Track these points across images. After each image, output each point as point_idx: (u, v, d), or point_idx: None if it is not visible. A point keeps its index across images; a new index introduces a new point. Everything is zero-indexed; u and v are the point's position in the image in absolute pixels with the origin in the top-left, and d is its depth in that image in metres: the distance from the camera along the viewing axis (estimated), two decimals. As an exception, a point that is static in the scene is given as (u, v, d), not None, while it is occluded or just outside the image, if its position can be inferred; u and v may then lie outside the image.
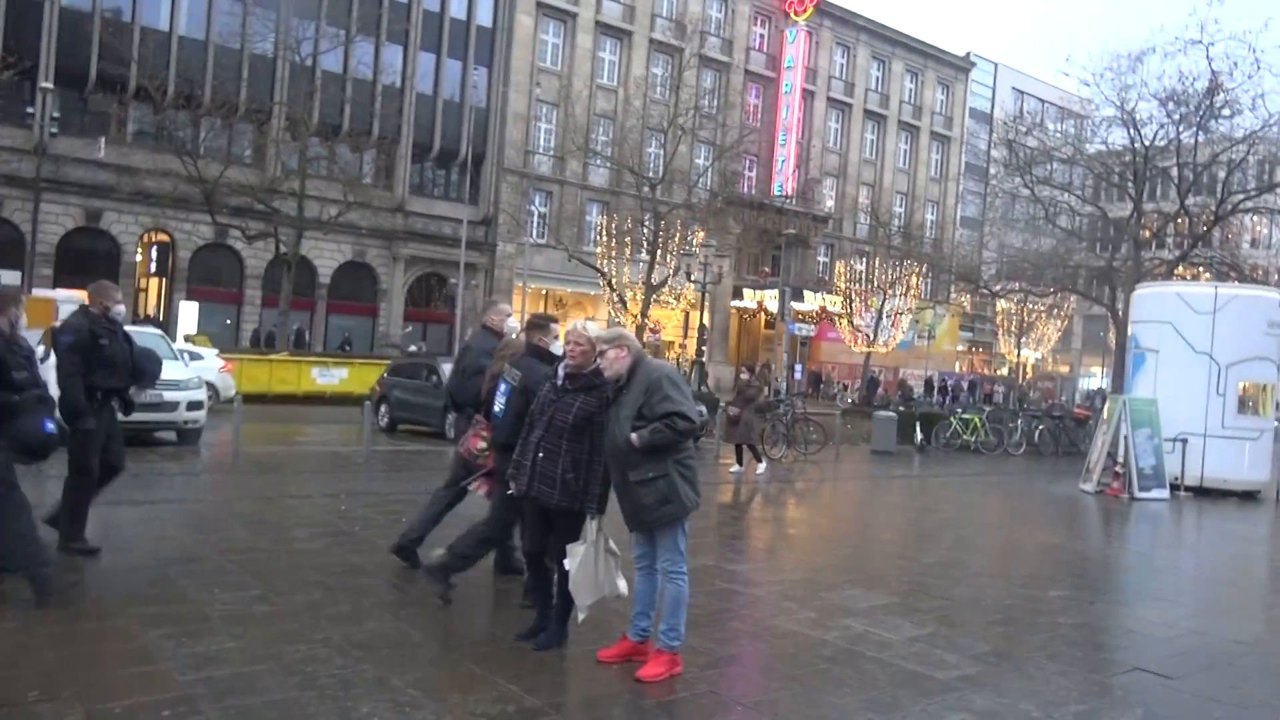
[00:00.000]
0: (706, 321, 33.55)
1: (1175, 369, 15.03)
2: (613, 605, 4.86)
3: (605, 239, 31.14)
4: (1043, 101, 44.97)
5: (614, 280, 29.50)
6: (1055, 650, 5.59)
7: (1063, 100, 36.21)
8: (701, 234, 29.76)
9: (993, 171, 31.74)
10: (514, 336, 6.43)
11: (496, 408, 5.60)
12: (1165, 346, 15.27)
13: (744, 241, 37.21)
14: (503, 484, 5.29)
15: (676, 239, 29.79)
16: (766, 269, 39.88)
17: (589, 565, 4.60)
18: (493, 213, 34.85)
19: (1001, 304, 37.82)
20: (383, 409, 17.03)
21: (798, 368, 35.85)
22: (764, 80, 41.62)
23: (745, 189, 39.62)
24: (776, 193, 40.43)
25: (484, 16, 35.29)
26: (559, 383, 4.86)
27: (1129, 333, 17.16)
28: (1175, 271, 25.49)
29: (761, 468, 13.86)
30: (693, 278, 26.27)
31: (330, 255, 32.50)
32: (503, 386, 5.56)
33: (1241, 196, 26.05)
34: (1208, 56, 23.38)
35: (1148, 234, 26.89)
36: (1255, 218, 29.51)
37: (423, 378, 16.61)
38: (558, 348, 5.55)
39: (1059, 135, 29.50)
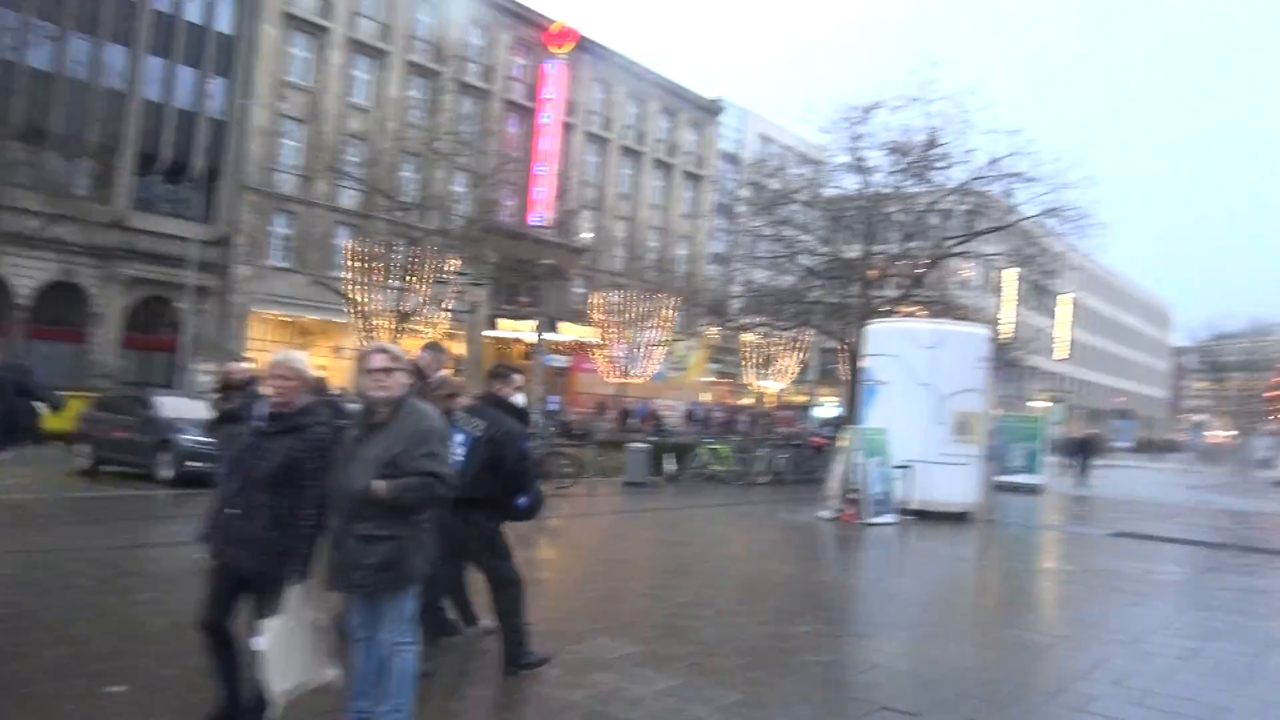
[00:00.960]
0: (462, 352, 32.71)
1: (902, 400, 16.05)
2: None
3: (354, 264, 29.59)
4: (785, 147, 47.88)
5: (362, 307, 28.05)
6: (806, 693, 5.48)
7: (803, 146, 38.64)
8: (457, 262, 28.96)
9: (740, 210, 33.18)
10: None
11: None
12: (893, 378, 16.30)
13: (501, 271, 36.68)
14: (443, 537, 4.91)
15: (430, 266, 28.80)
16: (524, 299, 39.56)
17: (284, 642, 3.85)
18: (229, 233, 32.24)
19: (747, 337, 39.57)
20: (86, 448, 15.02)
21: (554, 399, 35.62)
22: (523, 110, 41.53)
23: (503, 218, 39.18)
24: (535, 223, 40.31)
25: (223, 23, 32.81)
26: (259, 424, 4.13)
27: (863, 365, 18.22)
28: (898, 309, 27.60)
29: None
30: (446, 307, 25.40)
31: (31, 273, 28.70)
32: (460, 436, 5.23)
33: (953, 242, 28.72)
34: (926, 113, 25.65)
35: (875, 274, 28.97)
36: (964, 261, 32.62)
37: (132, 413, 14.79)
38: (520, 399, 5.35)
39: (799, 179, 31.32)
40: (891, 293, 29.77)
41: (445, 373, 6.22)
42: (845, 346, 28.73)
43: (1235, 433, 51.48)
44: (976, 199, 28.34)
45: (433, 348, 6.86)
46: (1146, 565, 12.25)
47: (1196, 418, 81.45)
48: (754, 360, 43.88)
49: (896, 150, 26.42)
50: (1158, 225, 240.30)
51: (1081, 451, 30.35)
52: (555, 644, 6.24)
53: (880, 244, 29.18)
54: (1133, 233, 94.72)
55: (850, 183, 28.82)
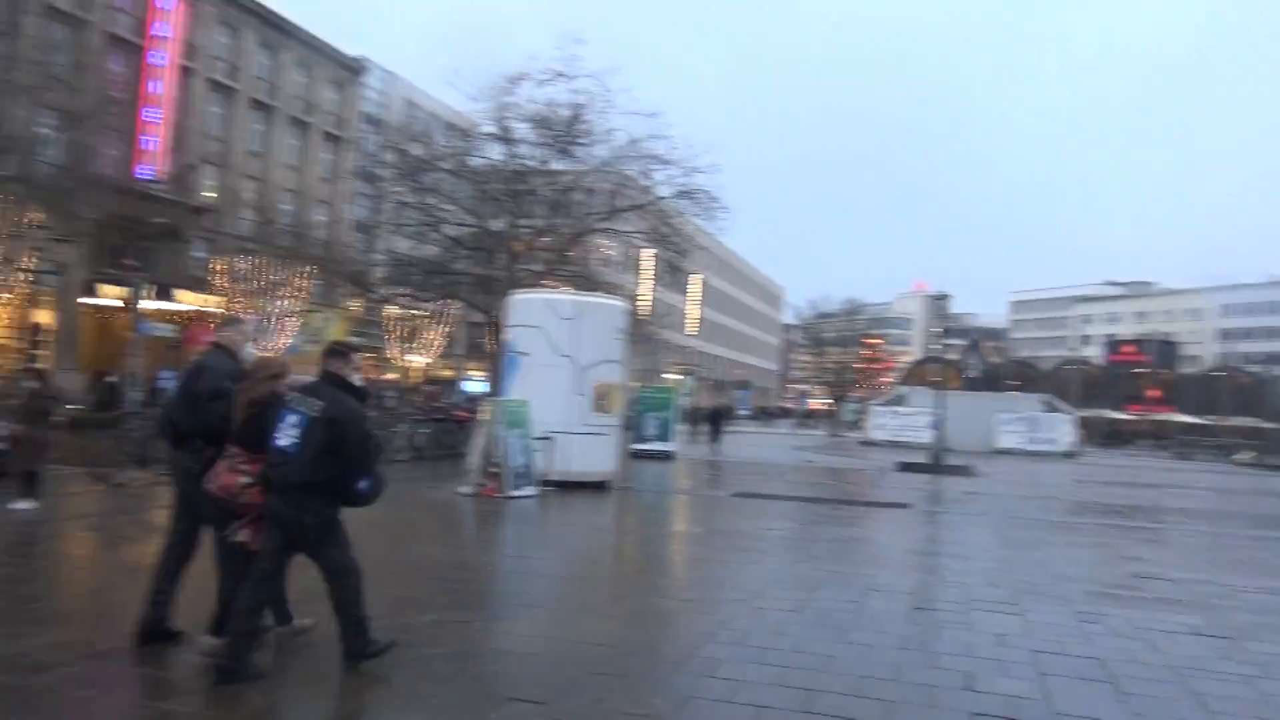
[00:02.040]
0: (47, 320, 28.20)
1: (544, 371, 15.98)
2: None
3: (-103, 212, 24.20)
4: (431, 115, 46.49)
5: (-91, 265, 23.07)
6: (426, 692, 4.94)
7: (449, 115, 37.70)
8: (40, 216, 24.70)
9: (383, 175, 31.63)
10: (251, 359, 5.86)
11: (284, 442, 5.01)
12: (535, 350, 16.17)
13: (101, 229, 31.95)
14: (279, 527, 5.07)
15: (7, 219, 24.28)
16: (129, 262, 34.85)
17: None
18: None
19: (391, 309, 38.05)
20: None
21: (167, 374, 31.75)
22: (131, 47, 36.35)
23: (104, 168, 34.13)
24: (144, 176, 35.58)
25: None
26: None
27: (505, 337, 17.95)
28: (543, 283, 27.79)
29: (26, 505, 10.95)
30: (25, 267, 21.53)
31: None
32: (293, 417, 5.05)
33: (595, 219, 29.43)
34: (571, 89, 25.88)
35: (521, 248, 28.94)
36: (606, 239, 33.61)
37: None
38: (359, 379, 5.29)
39: (446, 147, 30.40)
40: (538, 267, 29.96)
41: (254, 349, 5.50)
42: (492, 320, 28.44)
43: (831, 400, 58.66)
44: (617, 178, 29.20)
45: (232, 321, 5.99)
46: (761, 523, 13.16)
47: (801, 387, 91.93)
48: (398, 333, 42.40)
49: (541, 124, 26.45)
50: (773, 214, 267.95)
51: (712, 420, 32.65)
52: (117, 666, 5.16)
53: (526, 218, 29.18)
54: (752, 219, 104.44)
55: (496, 153, 28.50)
